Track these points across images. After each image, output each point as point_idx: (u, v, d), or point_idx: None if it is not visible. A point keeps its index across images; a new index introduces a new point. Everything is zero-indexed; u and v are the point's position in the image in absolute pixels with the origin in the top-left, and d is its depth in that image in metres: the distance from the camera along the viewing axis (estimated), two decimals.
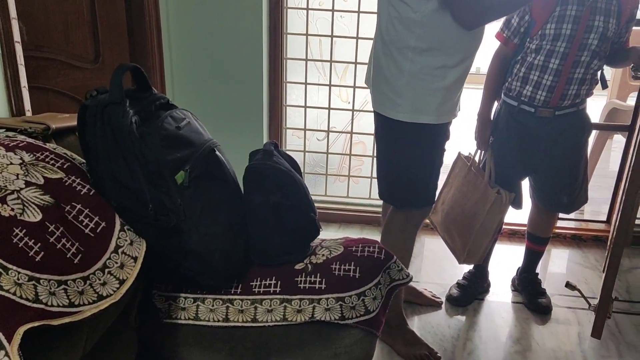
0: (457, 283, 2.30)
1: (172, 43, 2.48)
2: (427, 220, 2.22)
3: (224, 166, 1.32)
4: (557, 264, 2.59)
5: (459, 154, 2.19)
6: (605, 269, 1.98)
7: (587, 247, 2.74)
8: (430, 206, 1.90)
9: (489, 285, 2.36)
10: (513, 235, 2.78)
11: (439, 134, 1.71)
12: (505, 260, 2.56)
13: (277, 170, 1.28)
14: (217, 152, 1.30)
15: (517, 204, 2.10)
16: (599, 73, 1.91)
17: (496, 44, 1.99)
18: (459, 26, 1.53)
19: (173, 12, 2.43)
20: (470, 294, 2.28)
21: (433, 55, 1.58)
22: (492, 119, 2.05)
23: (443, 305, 2.24)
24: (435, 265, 2.55)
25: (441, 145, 1.77)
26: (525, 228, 2.30)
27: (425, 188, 1.79)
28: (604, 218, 2.89)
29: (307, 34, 2.64)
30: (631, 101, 2.95)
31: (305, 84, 2.72)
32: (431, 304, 2.23)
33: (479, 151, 2.09)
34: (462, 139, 2.30)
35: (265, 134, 2.66)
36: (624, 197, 1.84)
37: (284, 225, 1.30)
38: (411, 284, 2.30)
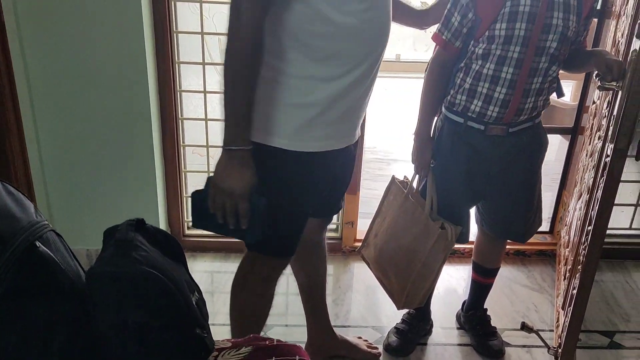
0: (396, 328, 1.95)
1: (24, 43, 1.92)
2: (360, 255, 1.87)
3: (57, 267, 0.84)
4: (501, 287, 2.30)
5: (393, 178, 1.82)
6: (569, 318, 1.69)
7: (531, 264, 2.48)
8: (287, 258, 1.46)
9: (431, 326, 2.02)
10: (452, 255, 2.48)
11: (309, 164, 1.29)
12: (447, 286, 2.26)
13: (137, 276, 0.82)
14: (42, 248, 0.83)
15: (464, 239, 1.75)
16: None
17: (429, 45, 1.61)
18: (334, 20, 1.15)
19: (24, 5, 1.88)
20: (411, 340, 1.93)
21: (291, 61, 1.20)
22: (432, 137, 1.69)
23: (382, 357, 1.89)
24: (368, 302, 2.19)
25: (313, 182, 1.34)
26: (467, 246, 1.97)
27: (279, 234, 1.35)
28: (547, 227, 2.64)
29: (202, 32, 2.16)
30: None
31: (205, 92, 2.25)
32: (368, 359, 1.87)
33: (418, 176, 1.73)
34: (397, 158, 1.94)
35: (157, 155, 2.17)
36: (590, 239, 1.56)
37: (154, 353, 0.85)
38: (342, 331, 1.98)
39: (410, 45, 5.83)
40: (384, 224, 1.82)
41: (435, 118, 1.69)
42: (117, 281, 0.81)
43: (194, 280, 1.02)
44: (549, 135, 1.71)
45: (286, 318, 2.08)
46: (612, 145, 1.46)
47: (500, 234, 1.84)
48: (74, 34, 1.93)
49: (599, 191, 1.59)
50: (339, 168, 1.42)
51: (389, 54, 6.07)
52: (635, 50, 1.36)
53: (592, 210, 1.67)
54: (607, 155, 1.52)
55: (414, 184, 1.75)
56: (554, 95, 1.65)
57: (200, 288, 1.01)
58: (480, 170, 1.64)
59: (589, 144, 2.01)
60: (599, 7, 1.92)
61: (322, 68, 1.21)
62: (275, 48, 1.19)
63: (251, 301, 1.48)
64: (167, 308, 0.84)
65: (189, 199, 1.29)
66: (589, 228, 1.66)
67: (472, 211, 1.83)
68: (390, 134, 3.97)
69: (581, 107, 2.33)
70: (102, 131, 2.07)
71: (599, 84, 1.47)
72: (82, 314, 0.85)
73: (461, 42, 1.53)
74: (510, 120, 1.54)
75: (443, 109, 1.65)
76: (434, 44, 1.59)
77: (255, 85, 1.16)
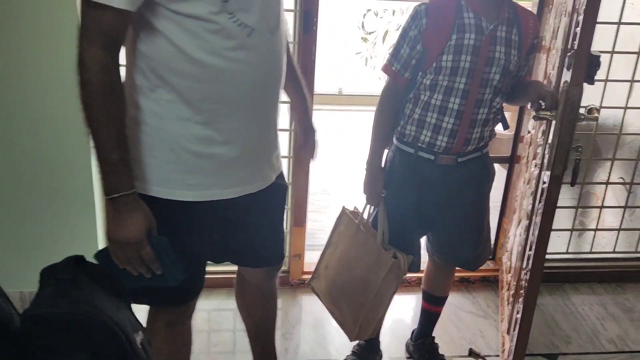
0: None
1: None
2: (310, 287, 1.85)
3: None
4: (448, 315, 2.32)
5: (344, 208, 1.82)
6: (514, 343, 1.73)
7: (475, 291, 2.53)
8: (187, 304, 1.38)
9: (381, 357, 2.01)
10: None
11: (188, 213, 1.20)
12: (396, 316, 2.25)
13: (79, 317, 0.77)
14: None
15: (415, 267, 1.76)
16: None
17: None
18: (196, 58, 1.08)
19: None
20: None
21: (161, 101, 1.12)
22: (383, 168, 1.71)
23: None
24: (318, 336, 2.15)
25: (196, 231, 1.23)
26: (415, 275, 1.99)
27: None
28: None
29: None
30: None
31: None
32: None
33: (368, 206, 1.74)
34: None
35: (96, 188, 2.07)
36: (531, 263, 1.61)
37: None
38: None
39: (353, 79, 5.94)
40: (335, 255, 1.81)
41: (386, 150, 1.72)
42: (57, 323, 0.76)
43: (137, 320, 0.97)
44: None
45: (234, 356, 2.01)
46: (548, 173, 1.52)
47: (450, 262, 1.86)
48: (6, 68, 1.85)
49: (537, 217, 1.65)
50: (246, 215, 1.31)
51: (330, 87, 6.04)
52: (566, 81, 1.44)
53: (531, 235, 1.73)
54: (544, 182, 1.58)
55: (365, 215, 1.76)
56: (499, 127, 1.71)
57: None
58: (431, 200, 1.67)
59: (526, 171, 2.09)
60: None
61: (194, 111, 1.12)
62: (144, 87, 1.11)
63: (164, 348, 1.36)
64: (111, 350, 0.79)
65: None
66: (530, 253, 1.71)
67: (423, 240, 1.85)
68: (336, 166, 4.00)
69: (517, 137, 2.43)
70: (36, 165, 1.97)
71: (534, 113, 1.54)
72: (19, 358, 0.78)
73: (410, 73, 1.57)
74: (459, 150, 1.59)
75: (394, 139, 1.68)
76: (382, 76, 1.63)
77: (123, 127, 1.06)
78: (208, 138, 1.15)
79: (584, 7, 1.36)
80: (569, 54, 1.48)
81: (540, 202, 1.63)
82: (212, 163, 1.18)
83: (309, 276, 1.89)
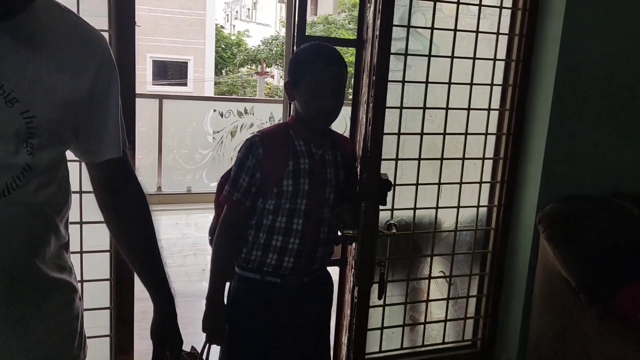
0: None
1: None
2: None
3: None
4: None
5: (184, 352, 1.70)
6: None
7: None
8: None
9: None
10: None
11: None
12: None
13: None
14: None
15: None
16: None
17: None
18: None
19: None
20: None
21: None
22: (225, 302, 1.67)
23: None
24: None
25: None
26: None
27: None
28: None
29: None
30: None
31: None
32: None
33: (208, 345, 1.65)
34: None
35: None
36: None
37: None
38: None
39: (201, 177, 5.92)
40: None
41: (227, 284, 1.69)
42: None
43: None
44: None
45: None
46: (357, 288, 1.58)
47: None
48: None
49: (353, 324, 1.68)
50: None
51: (179, 187, 5.96)
52: (363, 204, 1.54)
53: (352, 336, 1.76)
54: (355, 297, 1.64)
55: (204, 356, 1.67)
56: None
57: None
58: (280, 324, 1.66)
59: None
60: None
61: None
62: None
63: None
64: None
65: None
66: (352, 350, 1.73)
67: None
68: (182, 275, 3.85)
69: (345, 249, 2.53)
70: None
71: (340, 232, 1.62)
72: None
73: (250, 200, 1.60)
74: (304, 269, 1.63)
75: (237, 269, 1.66)
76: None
77: None
78: None
79: (369, 145, 1.50)
80: (363, 175, 1.59)
81: (354, 311, 1.68)
82: None
83: None
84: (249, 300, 1.66)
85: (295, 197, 1.58)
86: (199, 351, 1.66)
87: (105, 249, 2.10)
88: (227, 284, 1.72)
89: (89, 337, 2.07)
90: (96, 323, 2.14)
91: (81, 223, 2.04)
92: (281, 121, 1.79)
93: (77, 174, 1.88)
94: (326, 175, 1.62)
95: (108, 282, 2.13)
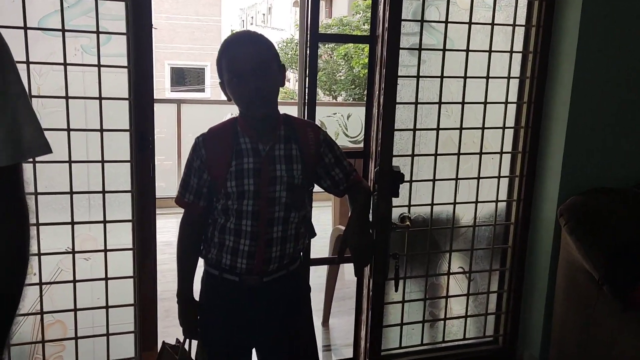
0: None
1: None
2: None
3: None
4: None
5: (164, 344, 1.74)
6: None
7: None
8: None
9: None
10: None
11: None
12: None
13: None
14: None
15: None
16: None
17: None
18: None
19: None
20: None
21: None
22: (194, 297, 1.67)
23: None
24: None
25: None
26: None
27: None
28: (351, 352, 2.71)
29: None
30: None
31: None
32: None
33: (188, 340, 1.68)
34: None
35: None
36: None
37: None
38: None
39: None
40: None
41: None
42: None
43: None
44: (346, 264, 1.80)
45: None
46: (372, 280, 1.59)
47: None
48: None
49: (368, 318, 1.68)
50: None
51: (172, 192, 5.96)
52: (375, 194, 1.55)
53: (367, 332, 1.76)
54: (370, 290, 1.64)
55: (187, 346, 1.69)
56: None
57: None
58: (240, 323, 1.61)
59: None
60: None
61: None
62: None
63: None
64: None
65: None
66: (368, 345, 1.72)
67: None
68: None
69: None
70: None
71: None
72: None
73: (204, 201, 1.58)
74: (260, 270, 1.56)
75: (203, 263, 1.65)
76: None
77: None
78: None
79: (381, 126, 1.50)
80: (375, 169, 1.59)
81: (369, 304, 1.68)
82: None
83: None
84: (210, 294, 1.64)
85: (241, 197, 1.50)
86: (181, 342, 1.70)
87: (128, 247, 2.14)
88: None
89: (115, 334, 2.16)
90: (121, 320, 2.18)
91: (105, 222, 2.09)
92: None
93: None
94: (275, 173, 1.52)
95: (132, 280, 2.16)
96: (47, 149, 0.95)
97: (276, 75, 1.51)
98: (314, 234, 1.69)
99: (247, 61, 1.44)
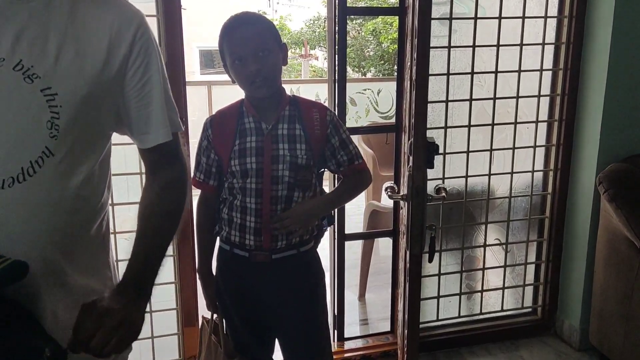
0: None
1: None
2: None
3: None
4: None
5: (203, 317, 1.80)
6: None
7: None
8: None
9: None
10: None
11: None
12: None
13: None
14: None
15: None
16: None
17: None
18: None
19: None
20: None
21: None
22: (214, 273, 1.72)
23: None
24: None
25: None
26: None
27: None
28: (388, 326, 2.73)
29: None
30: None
31: None
32: None
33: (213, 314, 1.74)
34: None
35: None
36: (408, 332, 1.64)
37: None
38: None
39: None
40: None
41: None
42: None
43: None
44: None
45: None
46: (408, 252, 1.59)
47: None
48: None
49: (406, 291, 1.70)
50: None
51: None
52: (410, 166, 1.54)
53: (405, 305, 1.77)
54: (407, 262, 1.65)
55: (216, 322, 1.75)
56: None
57: None
58: (252, 300, 1.65)
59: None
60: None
61: None
62: None
63: None
64: None
65: None
66: (407, 317, 1.74)
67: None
68: None
69: (396, 212, 2.54)
70: None
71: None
72: None
73: (215, 180, 1.63)
74: (269, 246, 1.58)
75: (218, 239, 1.70)
76: None
77: None
78: None
79: (414, 99, 1.49)
80: (410, 140, 1.59)
81: (406, 276, 1.69)
82: None
83: None
84: (223, 269, 1.68)
85: (244, 176, 1.54)
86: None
87: None
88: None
89: (158, 311, 2.22)
90: (163, 297, 2.25)
91: None
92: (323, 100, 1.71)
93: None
94: (278, 152, 1.54)
95: (172, 258, 2.22)
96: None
97: (277, 56, 1.53)
98: (332, 221, 1.70)
99: (247, 44, 1.48)
